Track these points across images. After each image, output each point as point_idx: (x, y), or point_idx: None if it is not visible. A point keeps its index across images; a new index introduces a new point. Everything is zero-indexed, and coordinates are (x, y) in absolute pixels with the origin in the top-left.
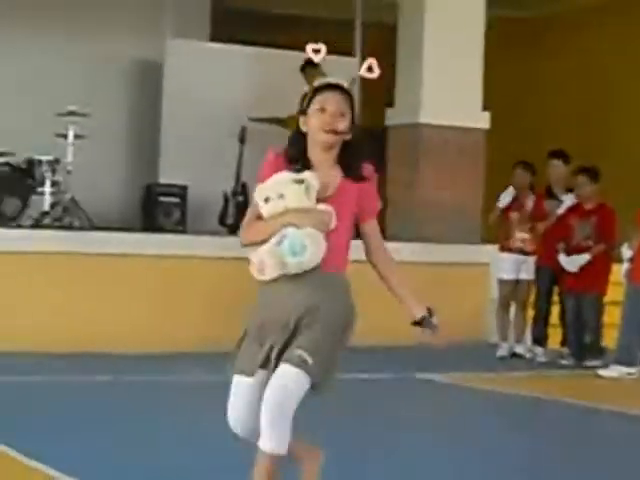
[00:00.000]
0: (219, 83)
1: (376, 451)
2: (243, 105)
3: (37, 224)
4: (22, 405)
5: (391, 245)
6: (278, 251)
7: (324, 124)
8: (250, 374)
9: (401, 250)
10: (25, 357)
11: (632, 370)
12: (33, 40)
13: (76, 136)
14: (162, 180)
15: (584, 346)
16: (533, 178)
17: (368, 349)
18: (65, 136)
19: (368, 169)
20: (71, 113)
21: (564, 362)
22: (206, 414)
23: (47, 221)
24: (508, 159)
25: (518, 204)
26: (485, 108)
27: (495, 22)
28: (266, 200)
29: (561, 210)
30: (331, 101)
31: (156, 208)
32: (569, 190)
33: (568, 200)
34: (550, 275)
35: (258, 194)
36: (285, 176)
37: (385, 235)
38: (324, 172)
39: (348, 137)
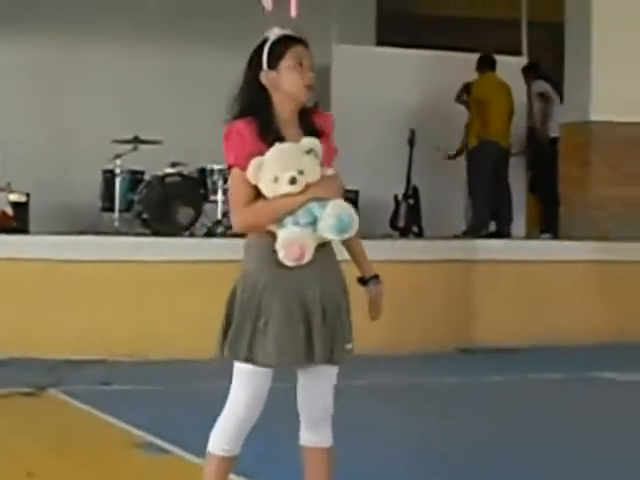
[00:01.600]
0: (386, 87)
1: None
2: (411, 108)
3: (210, 233)
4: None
5: (566, 244)
6: (315, 231)
7: (307, 80)
8: (298, 366)
9: (576, 248)
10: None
11: None
12: (205, 52)
13: None
14: None
15: None
16: None
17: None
18: None
19: (323, 116)
20: None
21: None
22: None
23: (220, 229)
24: None
25: None
26: None
27: None
28: (292, 181)
29: None
30: (305, 55)
31: None
32: None
33: None
34: None
35: (257, 172)
36: (290, 148)
37: (559, 233)
38: (293, 133)
39: None
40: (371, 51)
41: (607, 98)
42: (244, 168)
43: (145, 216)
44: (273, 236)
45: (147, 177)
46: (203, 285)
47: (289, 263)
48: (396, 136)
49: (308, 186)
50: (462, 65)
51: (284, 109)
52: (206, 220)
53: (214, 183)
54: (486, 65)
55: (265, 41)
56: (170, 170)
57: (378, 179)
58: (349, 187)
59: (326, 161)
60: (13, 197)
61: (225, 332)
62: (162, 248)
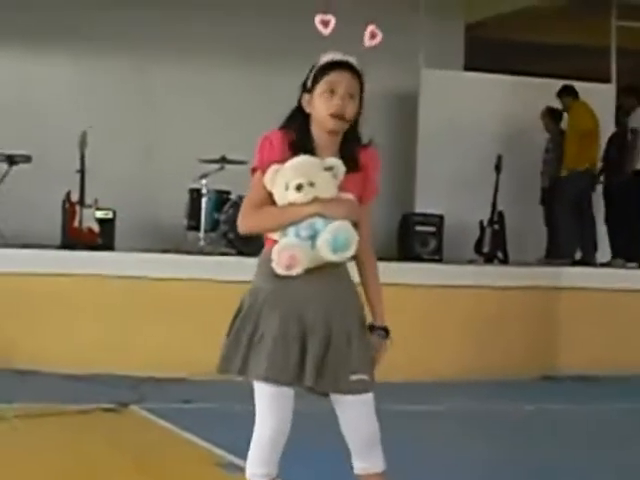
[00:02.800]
0: (474, 112)
1: None
2: (498, 133)
3: None
4: None
5: None
6: (314, 246)
7: (332, 108)
8: (287, 384)
9: None
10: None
11: None
12: (292, 72)
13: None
14: (418, 209)
15: None
16: None
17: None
18: None
19: (370, 154)
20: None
21: None
22: None
23: None
24: None
25: None
26: None
27: None
28: (298, 188)
29: None
30: (340, 82)
31: (413, 237)
32: None
33: None
34: None
35: (274, 178)
36: (311, 161)
37: None
38: (327, 156)
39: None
40: (459, 76)
41: None
42: (262, 171)
43: (231, 236)
44: None
45: (233, 197)
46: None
47: (279, 271)
48: (482, 161)
49: (317, 200)
50: (549, 91)
51: (316, 132)
52: None
53: None
54: (572, 94)
55: (314, 65)
56: None
57: (464, 204)
58: (434, 211)
59: (363, 198)
60: (99, 214)
61: (226, 349)
62: (246, 268)
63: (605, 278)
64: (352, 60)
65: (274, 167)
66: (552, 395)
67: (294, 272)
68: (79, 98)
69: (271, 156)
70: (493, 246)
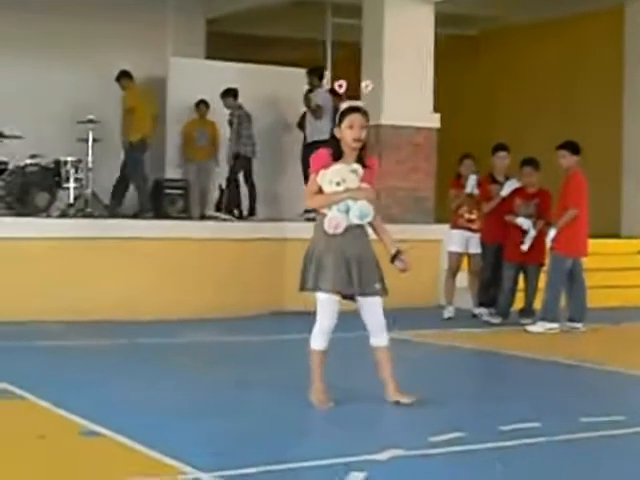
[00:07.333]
0: (214, 94)
1: None
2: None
3: (63, 214)
4: (55, 363)
5: None
6: (349, 216)
7: (354, 135)
8: (340, 294)
9: None
10: (57, 324)
11: (554, 326)
12: (55, 59)
13: (94, 140)
14: (168, 175)
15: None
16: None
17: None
18: (86, 140)
19: (372, 160)
20: (90, 121)
21: (495, 321)
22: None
23: (72, 211)
24: (456, 153)
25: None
26: (435, 110)
27: (442, 39)
28: (337, 184)
29: (505, 192)
30: (356, 120)
31: (163, 199)
32: (506, 176)
33: (512, 184)
34: (494, 250)
35: (322, 178)
36: (343, 167)
37: None
38: (349, 161)
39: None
40: (201, 63)
41: (396, 106)
42: (317, 174)
43: (8, 200)
44: None
45: (10, 166)
46: (57, 258)
47: (329, 231)
48: None
49: (348, 190)
50: (273, 76)
51: (345, 149)
52: (60, 204)
53: (67, 172)
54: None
55: (338, 110)
56: (30, 161)
57: None
58: (180, 177)
59: (370, 182)
60: None
61: (304, 276)
62: (21, 226)
63: None
64: (361, 104)
65: (321, 172)
66: (279, 328)
67: (338, 231)
68: None
69: (320, 164)
70: (230, 205)
